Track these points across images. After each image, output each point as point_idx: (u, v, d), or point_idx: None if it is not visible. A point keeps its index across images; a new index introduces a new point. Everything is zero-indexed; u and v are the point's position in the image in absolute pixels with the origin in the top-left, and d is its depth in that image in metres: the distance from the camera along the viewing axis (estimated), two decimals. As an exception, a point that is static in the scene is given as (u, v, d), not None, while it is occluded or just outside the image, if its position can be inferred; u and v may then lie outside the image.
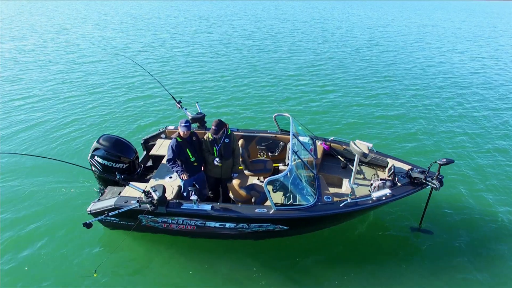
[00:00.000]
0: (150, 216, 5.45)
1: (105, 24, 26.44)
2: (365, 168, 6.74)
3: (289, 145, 6.46)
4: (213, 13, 34.78)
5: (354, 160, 6.77)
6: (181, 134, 5.40)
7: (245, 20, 30.63)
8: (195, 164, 5.59)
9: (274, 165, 6.84)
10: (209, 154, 5.65)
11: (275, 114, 6.92)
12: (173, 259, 5.56)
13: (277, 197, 5.83)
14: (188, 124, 5.33)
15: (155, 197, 5.00)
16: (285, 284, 5.26)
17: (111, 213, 5.01)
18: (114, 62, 16.00)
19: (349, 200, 5.29)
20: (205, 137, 5.64)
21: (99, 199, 5.68)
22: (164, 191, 5.15)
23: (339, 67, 16.70)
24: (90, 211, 5.49)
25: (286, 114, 6.66)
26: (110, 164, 6.15)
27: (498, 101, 13.09)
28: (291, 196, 5.48)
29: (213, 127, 5.41)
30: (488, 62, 19.56)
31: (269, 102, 11.71)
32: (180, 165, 5.48)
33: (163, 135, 7.32)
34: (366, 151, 5.84)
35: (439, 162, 5.48)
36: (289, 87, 13.59)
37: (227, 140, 5.61)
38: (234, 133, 7.09)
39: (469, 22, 38.52)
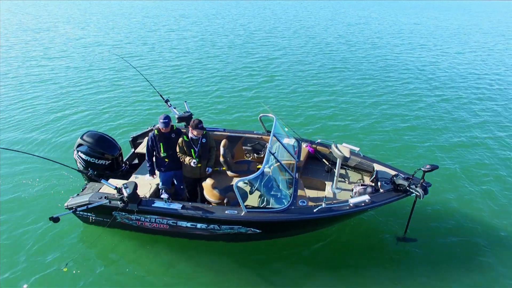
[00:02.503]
0: (123, 213, 5.47)
1: (93, 23, 27.02)
2: (351, 173, 6.49)
3: (268, 146, 6.33)
4: (204, 13, 35.01)
5: (342, 164, 6.56)
6: (160, 129, 5.44)
7: (234, 21, 30.73)
8: (166, 160, 5.58)
9: (258, 166, 6.71)
10: (185, 156, 5.60)
11: (261, 115, 6.80)
12: (144, 257, 5.54)
13: (254, 200, 5.70)
14: (166, 121, 5.37)
15: (125, 194, 5.01)
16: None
17: (79, 209, 5.06)
18: (106, 61, 16.31)
19: (323, 205, 5.08)
20: (179, 140, 5.57)
21: (78, 194, 5.76)
22: (135, 188, 5.13)
23: (333, 69, 16.40)
24: (67, 206, 5.57)
25: (271, 115, 6.53)
26: (93, 160, 6.22)
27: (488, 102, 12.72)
28: (265, 199, 5.34)
29: (200, 125, 5.37)
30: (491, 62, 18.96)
31: (257, 102, 11.71)
32: (150, 162, 5.52)
33: (151, 133, 7.35)
34: (347, 155, 5.62)
35: (423, 169, 5.17)
36: (281, 88, 13.47)
37: (204, 140, 5.55)
38: (221, 133, 7.08)
39: (454, 21, 37.68)
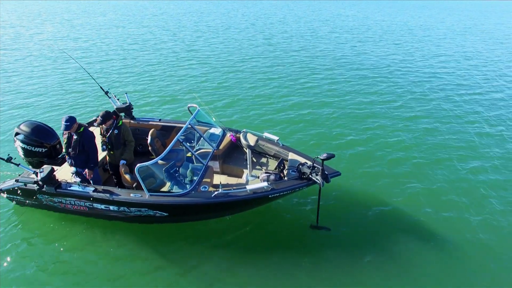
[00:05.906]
0: (47, 196, 5.93)
1: (41, 19, 28.37)
2: (271, 161, 6.72)
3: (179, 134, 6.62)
4: (150, 9, 36.28)
5: (263, 152, 6.82)
6: None
7: (184, 15, 32.14)
8: (66, 156, 5.93)
9: (188, 154, 7.04)
10: (104, 144, 6.05)
11: (189, 105, 7.12)
12: (67, 236, 6.01)
13: (168, 185, 6.05)
14: (67, 124, 5.53)
15: (39, 177, 5.45)
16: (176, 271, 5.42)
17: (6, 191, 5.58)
18: (50, 55, 17.27)
19: (220, 191, 5.36)
20: (100, 126, 6.04)
21: (10, 179, 6.27)
22: (50, 172, 5.56)
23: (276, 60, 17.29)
24: None
25: (195, 105, 6.83)
26: (30, 148, 6.69)
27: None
28: (171, 184, 5.68)
29: (99, 117, 5.77)
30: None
31: (191, 93, 12.30)
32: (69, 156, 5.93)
33: (95, 124, 7.80)
34: (252, 144, 5.88)
35: (320, 158, 5.36)
36: (218, 79, 14.19)
37: (116, 132, 5.94)
38: (156, 123, 7.44)
39: (427, 18, 38.18)
